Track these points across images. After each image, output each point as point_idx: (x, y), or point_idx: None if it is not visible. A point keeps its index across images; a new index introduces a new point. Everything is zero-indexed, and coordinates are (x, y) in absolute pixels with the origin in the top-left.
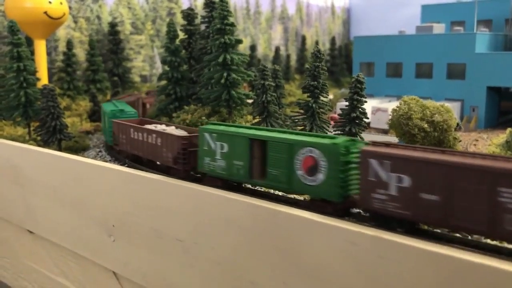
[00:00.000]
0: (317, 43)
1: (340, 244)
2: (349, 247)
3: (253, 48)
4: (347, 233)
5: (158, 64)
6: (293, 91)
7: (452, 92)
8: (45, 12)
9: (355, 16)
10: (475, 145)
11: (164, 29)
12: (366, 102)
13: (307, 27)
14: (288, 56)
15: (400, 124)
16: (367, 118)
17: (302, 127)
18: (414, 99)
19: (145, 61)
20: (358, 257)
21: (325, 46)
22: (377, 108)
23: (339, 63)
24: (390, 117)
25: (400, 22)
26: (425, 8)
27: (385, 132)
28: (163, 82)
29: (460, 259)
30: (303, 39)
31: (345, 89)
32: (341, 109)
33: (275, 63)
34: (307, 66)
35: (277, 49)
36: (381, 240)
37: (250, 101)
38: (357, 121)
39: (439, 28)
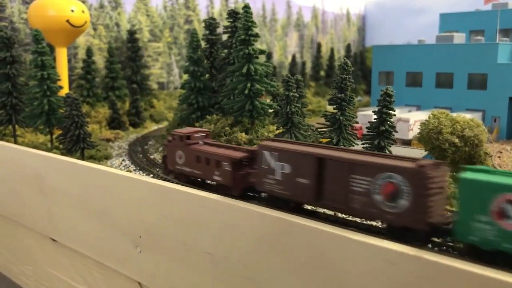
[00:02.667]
0: (332, 50)
1: (378, 263)
2: (387, 267)
3: (269, 55)
4: (386, 252)
5: (176, 71)
6: (309, 99)
7: (473, 102)
8: (67, 21)
9: (370, 24)
10: (499, 157)
11: (181, 36)
12: (395, 115)
13: (323, 34)
14: (303, 64)
15: (430, 138)
16: (396, 132)
17: (329, 139)
18: (444, 113)
19: (163, 68)
20: (397, 277)
21: (340, 53)
22: (398, 118)
23: (354, 71)
24: (411, 127)
25: (416, 30)
26: (444, 17)
27: (406, 143)
28: (184, 91)
29: (504, 282)
30: (318, 46)
31: (361, 97)
32: (369, 122)
33: (291, 70)
34: (334, 78)
35: (294, 57)
36: (421, 260)
37: (271, 110)
38: (385, 135)
39: (459, 37)
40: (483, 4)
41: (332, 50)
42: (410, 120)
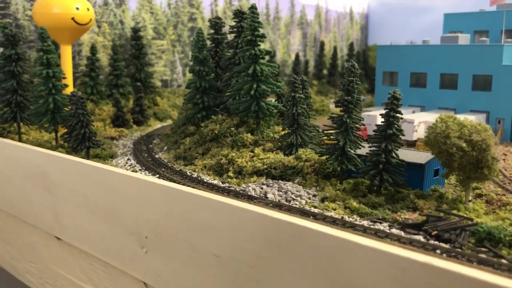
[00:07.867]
0: (335, 49)
1: (388, 269)
2: (397, 273)
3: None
4: (396, 258)
5: (179, 69)
6: (312, 98)
7: (478, 104)
8: (73, 18)
9: (374, 22)
10: (504, 159)
11: (185, 34)
12: (402, 119)
13: (326, 32)
14: (306, 62)
15: (437, 142)
16: (403, 135)
17: (335, 141)
18: (451, 117)
19: (166, 66)
20: (407, 284)
21: (343, 52)
22: (403, 119)
23: None
24: (416, 128)
25: (419, 30)
26: (448, 17)
27: (410, 144)
28: (189, 91)
29: None
30: (322, 44)
31: (364, 96)
32: (376, 125)
33: (295, 69)
34: (341, 81)
35: (297, 55)
36: (431, 267)
37: (276, 111)
38: (393, 138)
39: (464, 38)
40: (489, 5)
41: (335, 48)
42: (415, 121)
